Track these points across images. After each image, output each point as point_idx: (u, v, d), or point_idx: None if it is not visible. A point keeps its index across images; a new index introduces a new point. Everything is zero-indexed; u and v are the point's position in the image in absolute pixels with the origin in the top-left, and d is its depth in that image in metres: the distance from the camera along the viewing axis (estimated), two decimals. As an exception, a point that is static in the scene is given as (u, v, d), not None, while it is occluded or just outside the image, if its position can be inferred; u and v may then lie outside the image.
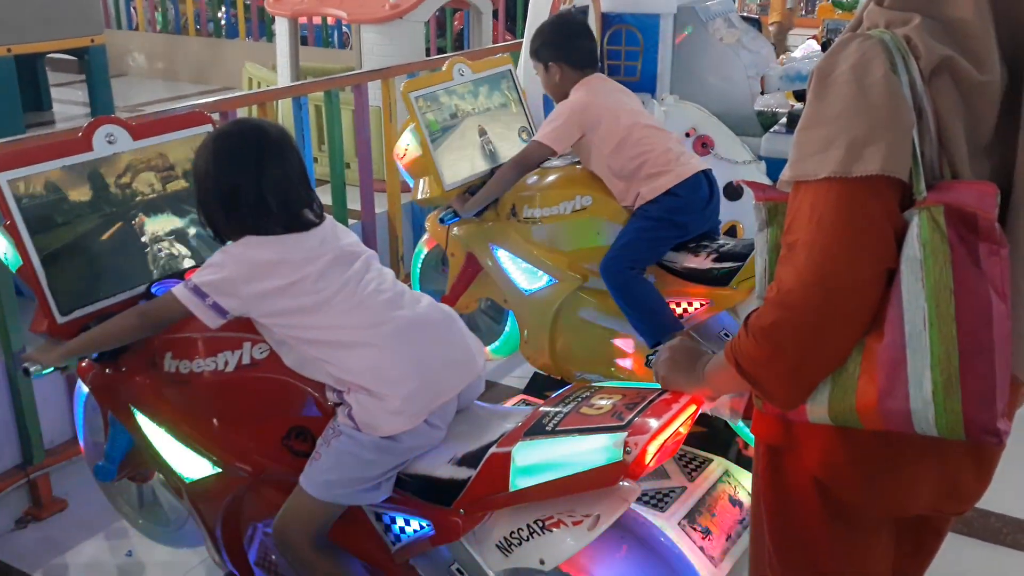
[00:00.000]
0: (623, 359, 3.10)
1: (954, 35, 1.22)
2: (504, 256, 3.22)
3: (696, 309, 3.04)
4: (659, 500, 2.72)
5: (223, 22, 10.12)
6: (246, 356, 1.92)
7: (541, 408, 1.75)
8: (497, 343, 3.57)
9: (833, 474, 1.37)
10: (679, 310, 3.04)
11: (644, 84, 4.43)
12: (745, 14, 7.13)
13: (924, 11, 1.25)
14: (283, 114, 5.52)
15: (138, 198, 2.21)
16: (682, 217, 2.93)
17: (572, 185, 3.12)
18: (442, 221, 3.25)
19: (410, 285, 3.80)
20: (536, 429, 1.65)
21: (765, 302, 1.29)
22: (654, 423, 1.54)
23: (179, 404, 1.97)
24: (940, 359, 1.17)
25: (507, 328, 3.49)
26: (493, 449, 1.67)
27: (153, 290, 2.14)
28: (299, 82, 4.54)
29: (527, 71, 3.81)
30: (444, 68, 3.39)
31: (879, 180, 1.17)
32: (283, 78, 6.58)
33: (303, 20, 8.83)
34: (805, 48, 5.59)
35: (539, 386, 3.34)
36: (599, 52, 4.46)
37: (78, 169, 2.10)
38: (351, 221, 4.12)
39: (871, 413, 1.24)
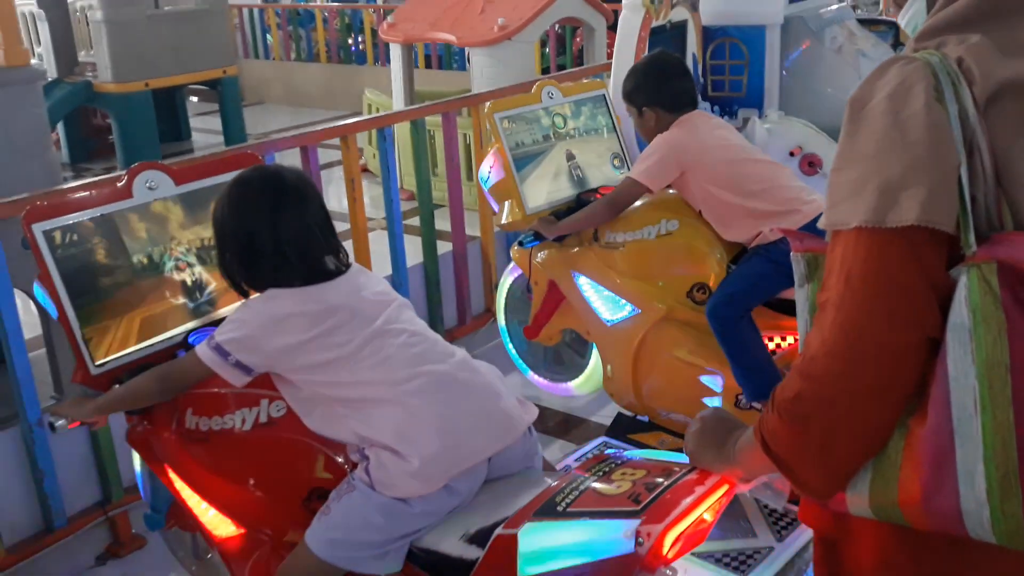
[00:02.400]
0: (711, 398, 2.87)
1: None
2: (585, 283, 3.05)
3: (790, 345, 2.79)
4: (741, 562, 2.50)
5: (353, 49, 10.36)
6: (263, 414, 1.85)
7: (561, 481, 1.58)
8: (580, 378, 3.40)
9: (892, 575, 1.15)
10: (771, 345, 2.79)
11: (751, 99, 4.18)
12: (884, 16, 6.68)
13: (991, 28, 1.03)
14: (398, 137, 5.58)
15: (178, 244, 2.18)
16: None
17: (658, 209, 2.94)
18: (521, 244, 3.12)
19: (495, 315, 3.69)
20: (546, 509, 1.48)
21: (792, 370, 1.10)
22: (673, 509, 1.35)
23: (201, 462, 1.92)
24: (995, 451, 0.96)
25: (591, 362, 3.31)
26: (499, 530, 1.52)
27: (190, 339, 2.10)
28: (383, 114, 4.53)
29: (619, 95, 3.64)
30: (533, 91, 3.28)
31: (917, 231, 0.97)
32: (397, 102, 6.64)
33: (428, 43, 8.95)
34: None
35: (623, 426, 3.15)
36: (702, 67, 4.24)
37: (117, 216, 2.09)
38: (442, 245, 4.06)
39: (916, 510, 1.03)
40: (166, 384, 1.88)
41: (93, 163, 8.27)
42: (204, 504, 1.95)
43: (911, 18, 1.18)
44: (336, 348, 1.73)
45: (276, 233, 1.76)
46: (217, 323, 2.15)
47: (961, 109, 1.00)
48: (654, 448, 2.99)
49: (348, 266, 1.86)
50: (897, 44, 5.44)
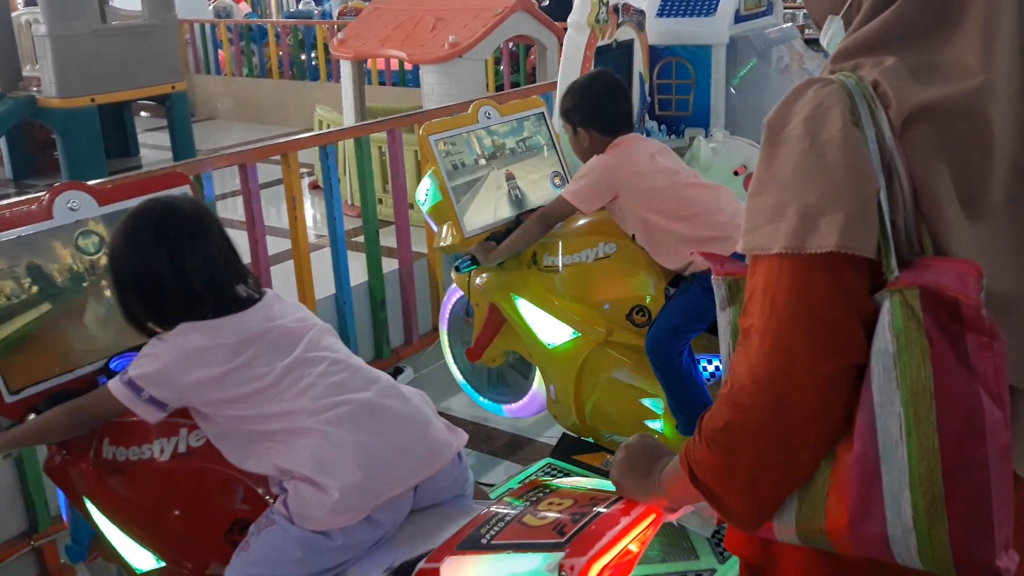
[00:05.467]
0: (653, 420, 2.84)
1: (946, 79, 0.99)
2: (526, 306, 3.01)
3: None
4: (684, 585, 2.48)
5: (306, 65, 10.28)
6: (182, 444, 1.79)
7: (487, 511, 1.54)
8: (524, 400, 3.36)
9: None
10: (711, 367, 2.78)
11: (697, 118, 4.19)
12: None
13: (904, 51, 1.02)
14: (347, 155, 5.53)
15: (101, 267, 2.10)
16: None
17: (595, 232, 2.91)
18: (457, 269, 3.08)
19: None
20: (471, 542, 1.44)
21: (718, 399, 1.08)
22: (598, 541, 1.31)
23: (119, 493, 1.85)
24: (921, 477, 0.95)
25: (534, 384, 3.27)
26: (421, 564, 1.47)
27: (112, 365, 2.03)
28: (326, 131, 4.48)
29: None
30: (470, 111, 3.24)
31: (838, 257, 0.95)
32: (348, 119, 6.59)
33: (380, 62, 8.90)
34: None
35: (568, 448, 3.12)
36: (649, 86, 4.25)
37: (36, 239, 2.01)
38: (388, 263, 4.00)
39: (843, 537, 1.01)
40: (77, 419, 1.81)
41: (38, 179, 8.10)
42: (123, 537, 1.88)
43: (831, 38, 1.17)
44: (254, 381, 1.68)
45: (180, 266, 1.69)
46: (141, 348, 2.08)
47: (878, 132, 0.98)
48: (599, 468, 2.97)
49: (261, 293, 1.80)
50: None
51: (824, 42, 1.19)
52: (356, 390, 1.70)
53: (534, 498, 1.52)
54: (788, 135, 1.01)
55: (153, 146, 9.18)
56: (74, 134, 7.41)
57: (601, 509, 1.39)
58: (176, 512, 1.82)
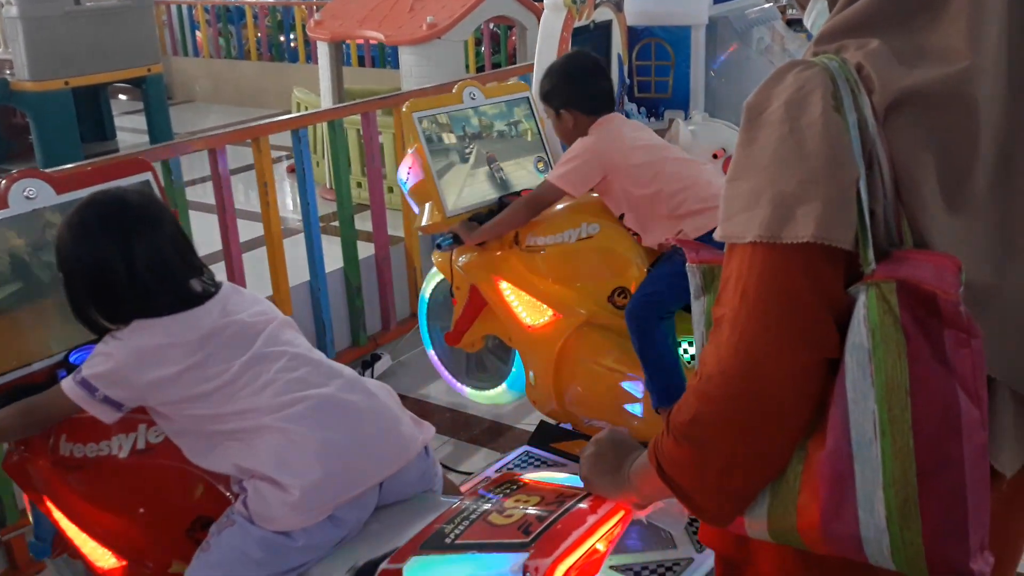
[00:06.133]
0: (632, 404, 2.82)
1: (932, 63, 0.96)
2: (506, 288, 2.98)
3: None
4: (661, 574, 2.45)
5: (284, 46, 10.16)
6: (141, 440, 1.75)
7: (453, 508, 1.50)
8: (503, 385, 3.33)
9: None
10: (692, 350, 2.75)
11: (676, 101, 4.15)
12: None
13: (890, 33, 0.98)
14: (324, 138, 5.45)
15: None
16: None
17: (578, 212, 2.88)
18: (438, 246, 3.04)
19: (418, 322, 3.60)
20: (434, 541, 1.40)
21: (687, 391, 1.05)
22: (563, 541, 1.28)
23: (77, 491, 1.81)
24: (895, 477, 0.92)
25: (513, 369, 3.24)
26: (384, 565, 1.44)
27: (72, 358, 1.98)
28: (298, 114, 4.41)
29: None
30: (455, 91, 3.20)
31: (814, 248, 0.92)
32: (325, 101, 6.51)
33: (359, 41, 8.80)
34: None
35: (545, 436, 3.08)
36: (628, 68, 4.20)
37: (-11, 229, 1.95)
38: (364, 247, 3.95)
39: (815, 535, 0.99)
40: (29, 419, 1.77)
41: (13, 164, 7.96)
42: (84, 535, 1.84)
43: (815, 19, 1.13)
44: (212, 379, 1.63)
45: (129, 259, 1.64)
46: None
47: (860, 118, 0.94)
48: (577, 457, 2.94)
49: (217, 286, 1.75)
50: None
51: (808, 23, 1.16)
52: (317, 385, 1.66)
53: (502, 493, 1.49)
54: (767, 119, 0.97)
55: (131, 129, 9.04)
56: (48, 118, 7.28)
57: (568, 506, 1.36)
58: (136, 510, 1.79)
